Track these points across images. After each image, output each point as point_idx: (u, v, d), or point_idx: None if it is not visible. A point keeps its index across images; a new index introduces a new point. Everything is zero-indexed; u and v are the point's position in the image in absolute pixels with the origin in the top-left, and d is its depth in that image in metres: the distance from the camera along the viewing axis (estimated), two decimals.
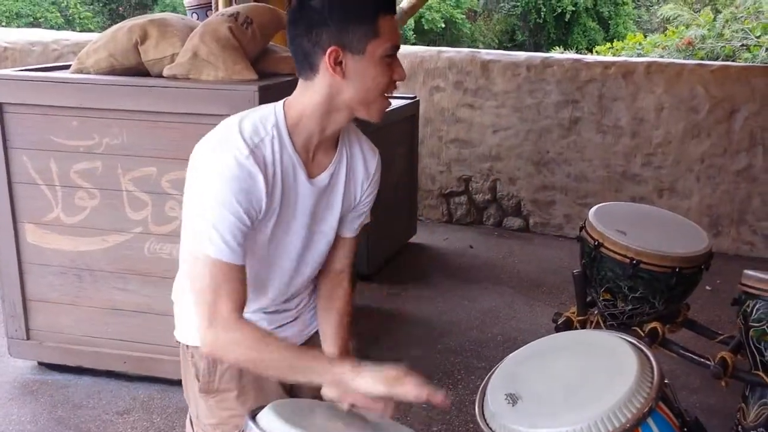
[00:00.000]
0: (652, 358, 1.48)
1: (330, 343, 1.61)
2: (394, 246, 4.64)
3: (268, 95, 2.67)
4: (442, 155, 5.42)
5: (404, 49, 5.90)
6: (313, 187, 1.48)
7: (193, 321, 1.44)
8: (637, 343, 1.54)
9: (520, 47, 16.43)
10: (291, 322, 1.63)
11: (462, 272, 4.52)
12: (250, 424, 1.27)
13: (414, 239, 4.95)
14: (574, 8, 16.18)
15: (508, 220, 5.40)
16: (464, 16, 16.61)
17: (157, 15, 3.09)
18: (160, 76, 2.85)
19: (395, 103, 4.44)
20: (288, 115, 1.43)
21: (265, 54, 3.04)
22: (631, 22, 17.12)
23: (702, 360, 2.70)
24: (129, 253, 2.89)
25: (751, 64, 6.97)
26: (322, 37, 1.35)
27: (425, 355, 3.42)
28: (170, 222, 2.83)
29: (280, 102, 1.46)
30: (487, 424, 1.49)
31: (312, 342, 1.70)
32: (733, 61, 8.51)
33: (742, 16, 9.38)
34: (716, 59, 8.62)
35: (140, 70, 2.92)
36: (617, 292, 2.73)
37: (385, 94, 1.42)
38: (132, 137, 2.79)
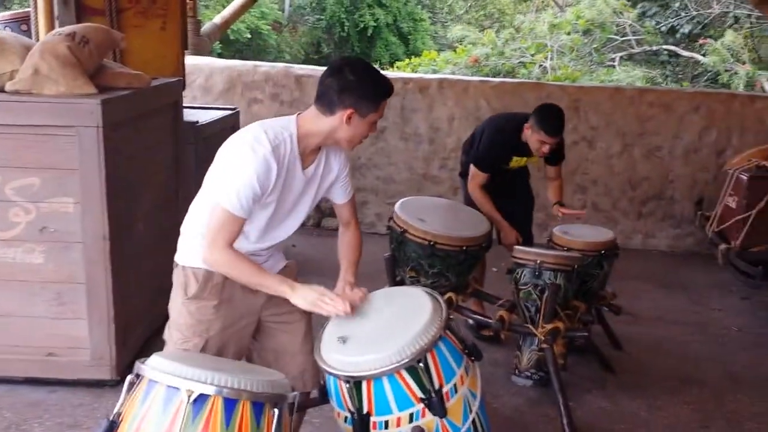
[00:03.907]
0: (441, 302, 2.04)
1: (342, 261, 2.43)
2: None
3: (109, 108, 2.95)
4: None
5: (222, 63, 6.20)
6: (304, 177, 2.18)
7: (193, 248, 2.13)
8: (431, 292, 2.09)
9: (326, 59, 16.98)
10: (264, 261, 2.26)
11: None
12: (139, 363, 1.65)
13: None
14: (375, 24, 16.97)
15: (326, 220, 5.93)
16: (269, 27, 16.79)
17: None
18: (0, 91, 3.00)
19: (216, 114, 4.70)
20: (299, 130, 2.11)
21: (100, 70, 3.29)
22: (429, 38, 18.34)
23: (485, 319, 3.38)
24: None
25: (524, 80, 8.13)
26: (347, 99, 2.06)
27: None
28: (14, 227, 2.99)
29: (294, 116, 2.15)
30: (325, 362, 1.96)
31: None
32: (513, 76, 9.77)
33: (519, 36, 10.74)
34: (499, 75, 9.84)
35: None
36: (420, 270, 3.33)
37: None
38: None
